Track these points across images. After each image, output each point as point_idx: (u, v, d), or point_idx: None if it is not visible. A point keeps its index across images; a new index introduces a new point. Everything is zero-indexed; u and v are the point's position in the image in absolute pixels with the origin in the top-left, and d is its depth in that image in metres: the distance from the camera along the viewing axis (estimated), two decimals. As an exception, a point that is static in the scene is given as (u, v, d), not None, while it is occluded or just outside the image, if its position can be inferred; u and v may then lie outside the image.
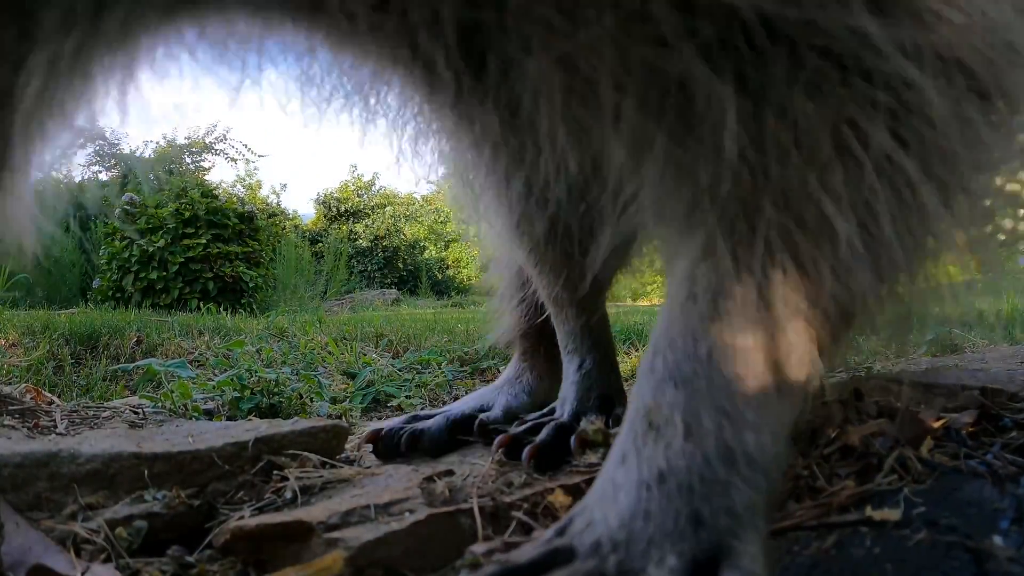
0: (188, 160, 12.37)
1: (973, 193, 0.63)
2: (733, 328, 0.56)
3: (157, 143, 12.38)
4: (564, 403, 1.02)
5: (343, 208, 14.11)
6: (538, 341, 1.19)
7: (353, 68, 0.64)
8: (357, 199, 14.42)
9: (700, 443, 0.53)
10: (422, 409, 1.64)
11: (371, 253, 12.89)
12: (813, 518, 0.61)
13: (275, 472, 0.89)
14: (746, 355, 0.56)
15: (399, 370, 2.32)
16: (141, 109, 0.59)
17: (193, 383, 1.84)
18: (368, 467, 0.98)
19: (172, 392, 1.68)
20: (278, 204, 13.45)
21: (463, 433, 1.05)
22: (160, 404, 1.63)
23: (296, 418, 1.58)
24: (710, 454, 0.52)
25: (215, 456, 0.86)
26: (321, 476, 0.88)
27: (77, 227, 7.43)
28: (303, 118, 0.68)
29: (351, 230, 13.37)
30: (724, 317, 0.56)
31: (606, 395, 1.02)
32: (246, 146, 12.75)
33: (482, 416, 1.06)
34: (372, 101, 0.69)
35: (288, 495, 0.82)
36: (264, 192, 14.00)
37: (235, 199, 7.09)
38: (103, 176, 11.51)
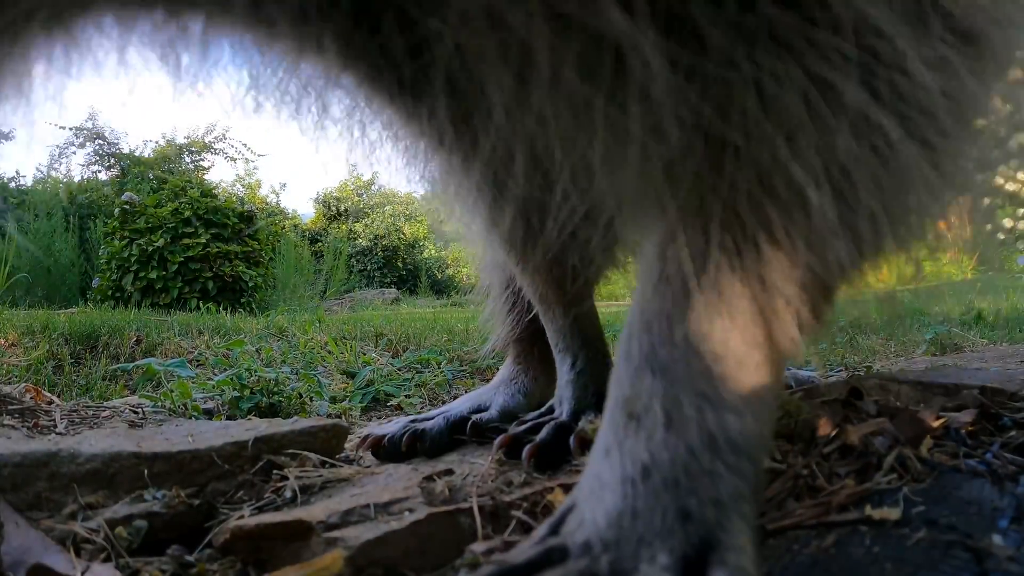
0: (187, 159, 12.38)
1: (958, 149, 0.59)
2: (708, 309, 0.54)
3: (156, 142, 12.40)
4: (562, 402, 1.02)
5: (343, 207, 14.11)
6: (531, 344, 1.19)
7: (296, 68, 0.61)
8: (357, 198, 14.42)
9: (682, 433, 0.52)
10: (419, 412, 1.65)
11: (371, 252, 12.89)
12: (812, 517, 0.61)
13: (275, 471, 0.89)
14: (723, 336, 0.54)
15: (399, 369, 2.32)
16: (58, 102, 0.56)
17: (193, 382, 1.84)
18: (368, 466, 0.98)
19: (172, 392, 1.68)
20: (277, 203, 13.46)
21: (462, 433, 1.05)
22: (160, 404, 1.63)
23: (296, 417, 1.58)
24: (693, 444, 0.52)
25: (215, 455, 0.86)
26: (321, 475, 0.88)
27: (76, 226, 7.43)
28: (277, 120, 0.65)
29: (350, 229, 13.37)
30: (698, 298, 0.55)
31: (603, 391, 1.02)
32: (245, 145, 12.78)
33: (476, 417, 1.06)
34: (325, 103, 0.65)
35: (288, 494, 0.82)
36: (264, 191, 14.01)
37: (234, 198, 7.09)
38: (102, 176, 11.52)
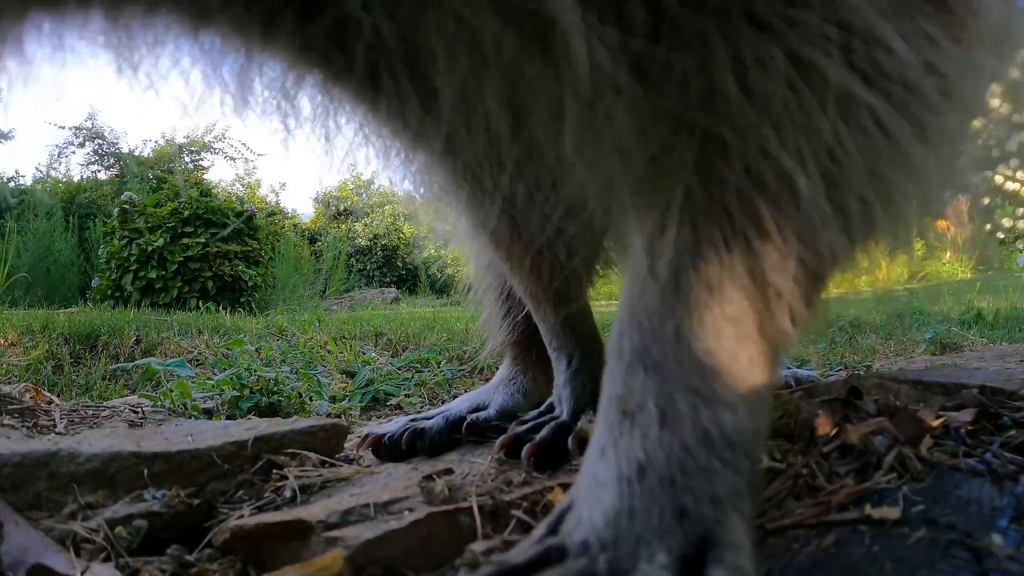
0: (187, 159, 12.38)
1: (948, 125, 0.57)
2: (699, 304, 0.54)
3: (156, 142, 12.40)
4: (561, 401, 1.02)
5: (342, 207, 14.10)
6: (528, 346, 1.20)
7: (260, 66, 0.57)
8: (356, 198, 14.41)
9: (677, 430, 0.52)
10: (419, 412, 1.65)
11: (370, 252, 12.88)
12: (812, 516, 0.61)
13: (274, 471, 0.89)
14: (715, 331, 0.53)
15: (398, 369, 2.32)
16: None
17: (192, 382, 1.84)
18: (367, 466, 0.98)
19: (171, 391, 1.68)
20: (277, 203, 13.45)
21: (461, 432, 1.05)
22: (159, 403, 1.63)
23: (295, 417, 1.58)
24: (688, 441, 0.51)
25: (214, 455, 0.86)
26: (320, 475, 0.88)
27: (76, 226, 7.43)
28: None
29: (350, 229, 13.36)
30: (688, 293, 0.54)
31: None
32: (245, 145, 12.78)
33: (472, 416, 1.06)
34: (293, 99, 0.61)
35: (287, 494, 0.82)
36: (263, 191, 14.01)
37: (234, 198, 7.08)
38: (102, 175, 11.51)
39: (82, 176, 11.41)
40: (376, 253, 12.86)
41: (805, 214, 0.52)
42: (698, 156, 0.52)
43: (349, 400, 1.91)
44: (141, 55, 0.54)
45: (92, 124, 12.14)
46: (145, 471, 0.82)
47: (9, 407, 1.30)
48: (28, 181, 10.83)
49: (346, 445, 1.06)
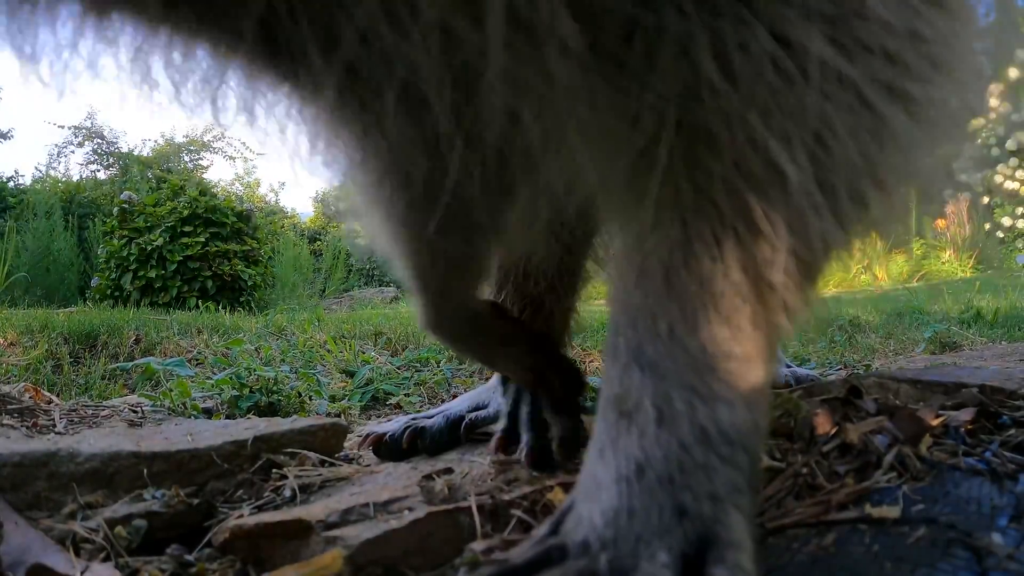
0: (186, 158, 12.38)
1: (937, 97, 0.55)
2: (691, 301, 0.53)
3: (155, 142, 12.39)
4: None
5: (341, 206, 14.07)
6: None
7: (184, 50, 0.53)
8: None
9: (674, 428, 0.52)
10: (419, 411, 1.66)
11: (370, 251, 12.86)
12: (812, 516, 0.61)
13: (274, 470, 0.89)
14: (709, 328, 0.53)
15: (398, 368, 2.32)
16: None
17: (192, 381, 1.84)
18: (367, 465, 0.98)
19: (171, 391, 1.68)
20: (276, 202, 13.44)
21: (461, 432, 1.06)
22: (159, 403, 1.63)
23: (295, 416, 1.58)
24: (685, 439, 0.51)
25: (214, 455, 0.86)
26: (320, 474, 0.88)
27: (75, 225, 7.42)
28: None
29: (350, 228, 13.33)
30: (680, 291, 0.53)
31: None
32: (244, 144, 12.78)
33: (471, 416, 1.06)
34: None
35: (287, 493, 0.82)
36: (262, 190, 14.00)
37: (233, 197, 7.08)
38: (101, 175, 11.51)
39: (81, 176, 11.41)
40: (376, 252, 12.84)
41: (795, 203, 0.51)
42: (684, 149, 0.51)
43: (349, 399, 1.91)
44: (40, 46, 0.51)
45: (91, 123, 12.14)
46: (145, 471, 0.82)
47: (9, 407, 1.30)
48: (27, 180, 10.83)
49: (346, 444, 1.06)
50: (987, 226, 8.46)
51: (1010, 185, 8.56)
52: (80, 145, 12.25)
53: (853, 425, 0.77)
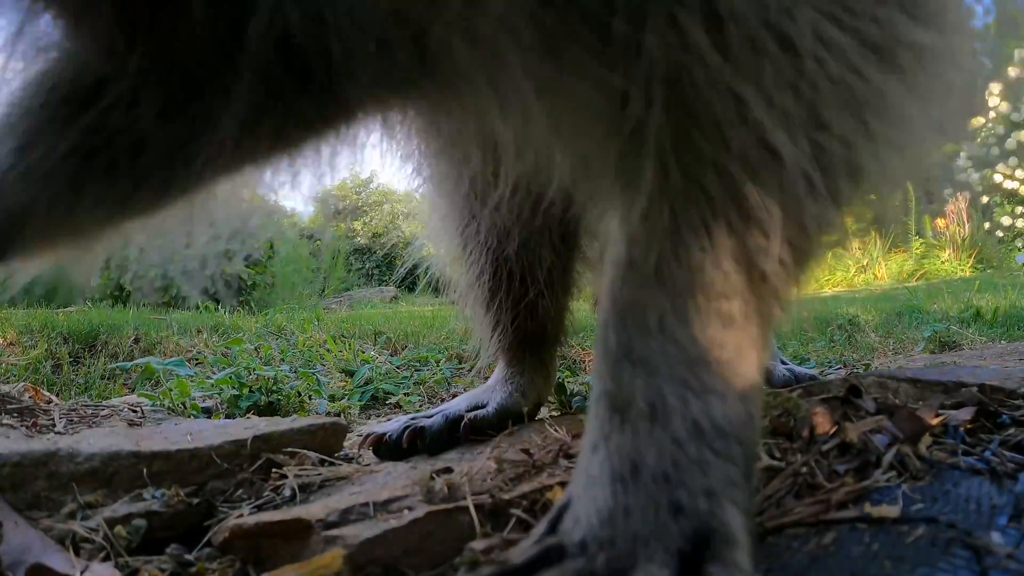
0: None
1: (929, 64, 0.53)
2: (681, 292, 0.52)
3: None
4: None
5: (341, 206, 14.09)
6: (521, 350, 1.20)
7: None
8: (355, 196, 14.40)
9: (667, 424, 0.51)
10: (418, 411, 1.67)
11: (369, 251, 12.87)
12: (811, 515, 0.61)
13: (274, 470, 0.89)
14: (699, 320, 0.52)
15: (397, 367, 2.32)
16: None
17: (191, 381, 1.84)
18: (367, 464, 0.98)
19: (171, 390, 1.68)
20: (276, 202, 13.42)
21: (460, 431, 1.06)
22: (159, 402, 1.63)
23: (295, 416, 1.58)
24: (679, 435, 0.50)
25: (214, 454, 0.86)
26: (320, 474, 0.88)
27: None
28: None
29: (349, 228, 13.34)
30: (669, 281, 0.52)
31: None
32: (244, 144, 12.74)
33: (471, 415, 1.06)
34: None
35: (287, 493, 0.82)
36: (262, 189, 13.96)
37: (233, 197, 7.06)
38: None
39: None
40: (375, 252, 12.85)
41: (789, 184, 0.50)
42: (674, 129, 0.50)
43: (348, 399, 1.91)
44: None
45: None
46: (144, 470, 0.82)
47: (8, 407, 1.30)
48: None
49: (345, 444, 1.06)
50: (986, 225, 8.45)
51: (1009, 184, 8.56)
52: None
53: (852, 424, 0.77)
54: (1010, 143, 8.58)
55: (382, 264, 12.66)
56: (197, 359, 2.56)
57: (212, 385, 1.79)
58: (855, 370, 1.99)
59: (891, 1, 0.50)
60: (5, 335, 2.74)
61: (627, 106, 0.49)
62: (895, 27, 0.50)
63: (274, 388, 1.75)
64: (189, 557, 0.71)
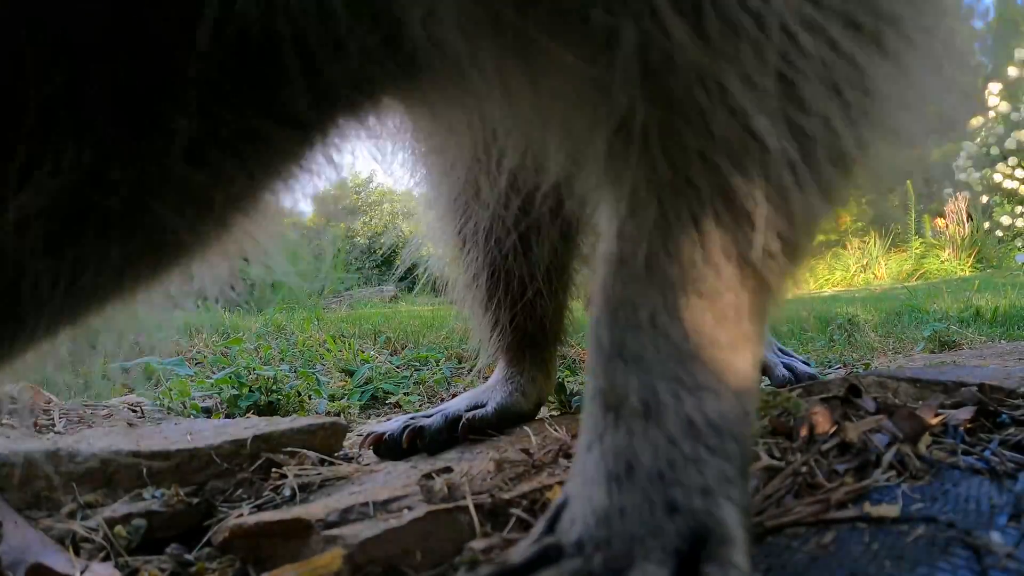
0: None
1: (909, 32, 0.51)
2: (672, 288, 0.51)
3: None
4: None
5: (341, 205, 14.09)
6: (521, 349, 1.20)
7: None
8: (355, 196, 14.39)
9: (661, 422, 0.51)
10: (418, 410, 1.67)
11: (369, 250, 12.87)
12: (811, 515, 0.61)
13: (273, 470, 0.89)
14: (691, 315, 0.51)
15: (397, 367, 2.32)
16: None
17: (191, 381, 1.84)
18: (367, 464, 0.98)
19: (170, 390, 1.68)
20: (275, 201, 13.42)
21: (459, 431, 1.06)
22: (158, 402, 1.63)
23: (294, 415, 1.58)
24: (673, 432, 0.50)
25: (213, 454, 0.86)
26: (320, 473, 0.88)
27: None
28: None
29: (349, 227, 13.35)
30: (660, 277, 0.52)
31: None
32: (244, 143, 12.75)
33: (470, 415, 1.06)
34: None
35: (287, 493, 0.82)
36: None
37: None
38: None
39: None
40: (375, 251, 12.85)
41: (774, 173, 0.49)
42: (659, 121, 0.49)
43: (348, 398, 1.91)
44: None
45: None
46: (144, 470, 0.82)
47: (8, 407, 1.30)
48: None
49: (345, 443, 1.06)
50: (986, 225, 8.46)
51: (1009, 184, 8.56)
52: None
53: (852, 424, 0.78)
54: (1010, 143, 8.59)
55: (382, 264, 12.67)
56: (197, 359, 2.56)
57: (212, 385, 1.79)
58: (855, 370, 2.00)
59: None
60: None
61: (610, 98, 0.48)
62: (877, 2, 0.49)
63: (274, 388, 1.75)
64: (189, 557, 0.71)
